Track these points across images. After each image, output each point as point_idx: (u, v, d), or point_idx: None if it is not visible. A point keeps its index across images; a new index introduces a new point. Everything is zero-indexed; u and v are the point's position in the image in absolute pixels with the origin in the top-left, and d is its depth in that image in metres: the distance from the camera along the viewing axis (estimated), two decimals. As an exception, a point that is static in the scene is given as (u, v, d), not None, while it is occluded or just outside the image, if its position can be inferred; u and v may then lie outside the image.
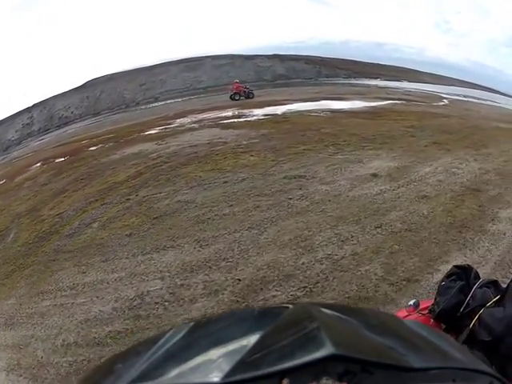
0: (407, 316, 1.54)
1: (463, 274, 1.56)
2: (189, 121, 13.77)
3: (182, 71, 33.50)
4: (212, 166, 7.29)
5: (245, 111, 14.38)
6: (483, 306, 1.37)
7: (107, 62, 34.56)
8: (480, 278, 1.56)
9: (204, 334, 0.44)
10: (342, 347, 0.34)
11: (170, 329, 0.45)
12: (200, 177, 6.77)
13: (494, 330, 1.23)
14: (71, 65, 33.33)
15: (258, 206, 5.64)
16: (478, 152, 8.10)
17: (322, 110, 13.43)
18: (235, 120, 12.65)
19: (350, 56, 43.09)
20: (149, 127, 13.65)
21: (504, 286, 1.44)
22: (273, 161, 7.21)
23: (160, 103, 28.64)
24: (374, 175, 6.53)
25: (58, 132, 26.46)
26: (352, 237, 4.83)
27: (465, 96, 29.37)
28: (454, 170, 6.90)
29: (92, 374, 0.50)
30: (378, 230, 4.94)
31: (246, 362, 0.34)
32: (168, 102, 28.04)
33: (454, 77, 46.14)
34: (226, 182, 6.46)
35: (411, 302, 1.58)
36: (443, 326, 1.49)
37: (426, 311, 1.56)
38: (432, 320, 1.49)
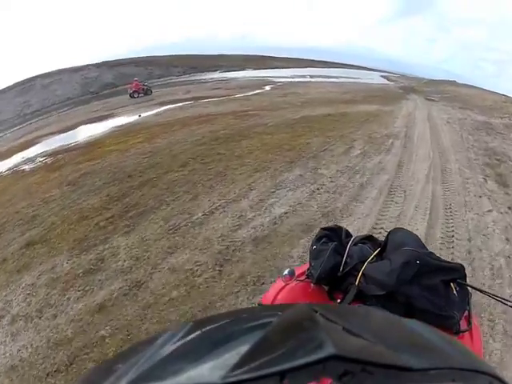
0: (286, 286, 1.47)
1: (334, 235, 1.53)
2: None
3: (15, 96, 32.18)
4: None
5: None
6: (364, 261, 1.36)
7: None
8: (352, 236, 1.55)
9: (204, 333, 0.43)
10: (341, 347, 0.34)
11: (170, 328, 0.45)
12: None
13: (385, 283, 1.22)
14: None
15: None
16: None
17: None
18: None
19: (201, 51, 47.06)
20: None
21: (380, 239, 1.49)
22: None
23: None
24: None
25: None
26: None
27: (311, 76, 32.26)
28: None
29: (92, 374, 0.49)
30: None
31: (245, 362, 0.34)
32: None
33: (318, 59, 53.51)
34: None
35: (286, 272, 1.49)
36: (326, 289, 1.45)
37: (304, 277, 1.50)
38: (312, 285, 1.44)
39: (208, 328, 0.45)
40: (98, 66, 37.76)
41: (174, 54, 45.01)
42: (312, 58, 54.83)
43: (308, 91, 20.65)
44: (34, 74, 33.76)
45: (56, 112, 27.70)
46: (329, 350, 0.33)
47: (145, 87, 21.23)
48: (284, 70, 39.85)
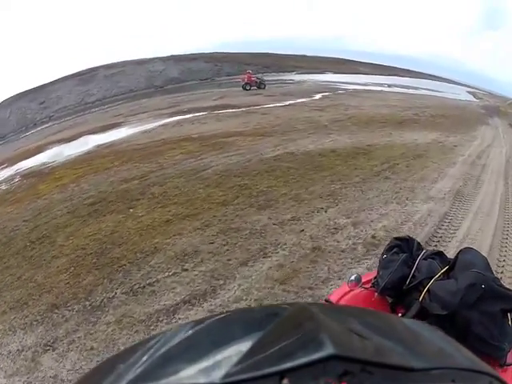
0: (349, 292, 1.48)
1: (405, 246, 1.53)
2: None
3: (77, 85, 32.49)
4: None
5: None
6: (431, 278, 1.35)
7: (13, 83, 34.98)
8: (423, 249, 1.55)
9: (204, 333, 0.43)
10: (342, 347, 0.34)
11: (170, 329, 0.45)
12: None
13: (448, 303, 1.22)
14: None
15: None
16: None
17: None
18: None
19: (276, 50, 44.04)
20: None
21: (449, 257, 1.50)
22: None
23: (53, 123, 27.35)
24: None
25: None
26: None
27: (389, 85, 30.21)
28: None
29: (92, 374, 0.50)
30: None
31: (245, 362, 0.34)
32: (61, 121, 26.79)
33: (406, 67, 51.39)
34: None
35: (352, 277, 1.49)
36: (389, 300, 1.45)
37: (369, 285, 1.49)
38: (376, 294, 1.44)
39: (208, 328, 0.45)
40: (164, 59, 37.15)
41: (250, 51, 43.17)
42: (399, 66, 52.40)
43: (362, 103, 17.89)
44: (97, 64, 34.13)
45: (115, 104, 28.21)
46: (329, 349, 0.33)
47: (258, 80, 20.35)
48: (365, 76, 38.03)
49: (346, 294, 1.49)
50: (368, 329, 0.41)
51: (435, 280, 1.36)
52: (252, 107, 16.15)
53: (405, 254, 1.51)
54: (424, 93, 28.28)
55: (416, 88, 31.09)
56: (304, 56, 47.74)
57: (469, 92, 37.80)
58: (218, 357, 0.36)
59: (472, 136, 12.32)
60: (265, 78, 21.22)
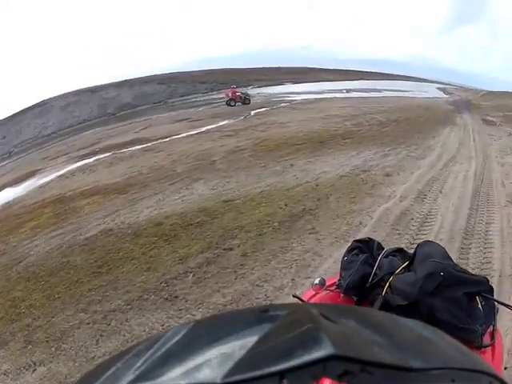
0: (315, 295, 1.50)
1: (365, 247, 1.55)
2: None
3: (35, 117, 31.44)
4: None
5: None
6: (392, 273, 1.38)
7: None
8: (383, 249, 1.56)
9: (204, 333, 0.43)
10: (341, 347, 0.34)
11: (170, 329, 0.45)
12: None
13: (408, 293, 1.25)
14: None
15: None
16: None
17: None
18: None
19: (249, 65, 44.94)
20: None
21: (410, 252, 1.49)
22: None
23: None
24: None
25: None
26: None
27: (348, 91, 28.67)
28: None
29: (92, 374, 0.48)
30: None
31: (245, 362, 0.34)
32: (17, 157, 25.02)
33: (378, 71, 51.79)
34: None
35: (316, 281, 1.50)
36: (354, 299, 1.46)
37: (334, 287, 1.51)
38: (342, 295, 1.46)
39: (208, 328, 0.45)
40: (118, 85, 35.70)
41: (207, 68, 42.48)
42: (370, 70, 52.90)
43: (293, 118, 14.50)
44: (52, 95, 33.29)
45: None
46: (328, 349, 0.33)
47: (243, 96, 19.39)
48: (327, 83, 36.88)
49: (312, 297, 1.47)
50: (368, 329, 0.41)
51: (396, 275, 1.35)
52: (160, 140, 13.63)
53: (365, 255, 1.48)
54: (386, 95, 25.94)
55: (379, 90, 29.00)
56: (265, 68, 46.98)
57: (438, 88, 35.88)
58: (218, 357, 0.35)
59: (426, 148, 8.83)
60: (249, 93, 20.27)
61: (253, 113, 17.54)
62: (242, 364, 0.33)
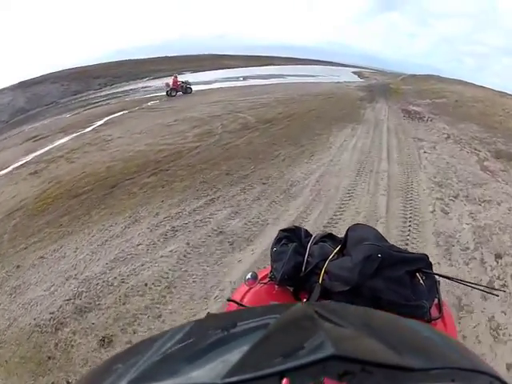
0: (249, 290, 1.40)
1: (293, 236, 1.49)
2: None
3: None
4: None
5: None
6: (325, 259, 1.33)
7: None
8: (311, 235, 1.50)
9: (204, 334, 0.43)
10: (341, 347, 0.34)
11: (170, 329, 0.45)
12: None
13: (348, 278, 1.20)
14: None
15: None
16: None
17: None
18: None
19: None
20: None
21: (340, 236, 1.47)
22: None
23: None
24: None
25: None
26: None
27: (244, 78, 25.44)
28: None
29: (92, 374, 0.50)
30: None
31: (245, 362, 0.34)
32: None
33: (291, 56, 50.42)
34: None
35: (249, 276, 1.38)
36: (290, 290, 1.38)
37: (267, 280, 1.42)
38: (276, 286, 1.38)
39: (208, 328, 0.44)
40: (13, 88, 33.41)
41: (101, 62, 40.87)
42: (283, 56, 51.52)
43: (135, 127, 9.84)
44: None
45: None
46: (329, 350, 0.33)
47: (183, 85, 17.95)
48: (226, 70, 35.09)
49: (246, 292, 1.37)
50: (368, 329, 0.41)
51: (330, 261, 1.31)
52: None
53: (294, 243, 1.41)
54: (288, 81, 22.67)
55: (282, 76, 26.25)
56: (167, 58, 45.34)
57: (354, 72, 33.39)
58: (218, 357, 0.35)
59: (283, 191, 4.67)
60: (190, 81, 18.36)
61: (102, 121, 12.43)
62: (242, 364, 0.33)
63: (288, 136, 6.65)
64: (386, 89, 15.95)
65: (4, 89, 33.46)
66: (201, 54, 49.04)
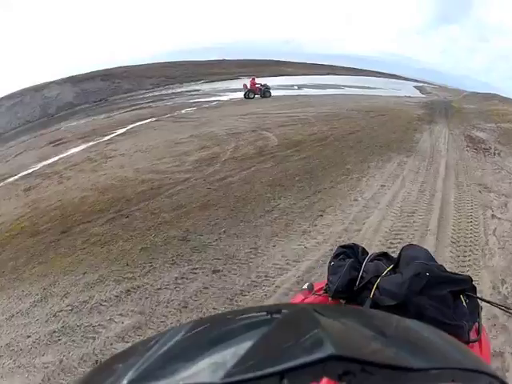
0: (304, 300, 1.48)
1: (351, 253, 1.53)
2: None
3: None
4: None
5: None
6: (379, 276, 1.36)
7: None
8: (368, 253, 1.53)
9: (204, 333, 0.43)
10: (341, 347, 0.34)
11: (170, 329, 0.45)
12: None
13: (396, 294, 1.24)
14: None
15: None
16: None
17: None
18: None
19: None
20: None
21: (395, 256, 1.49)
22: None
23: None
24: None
25: None
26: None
27: (299, 87, 24.04)
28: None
29: (92, 374, 0.48)
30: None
31: (245, 361, 0.34)
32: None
33: (352, 66, 48.48)
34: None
35: (305, 286, 1.49)
36: (343, 302, 1.41)
37: (322, 292, 1.47)
38: (330, 299, 1.42)
39: (208, 328, 0.44)
40: (61, 82, 33.39)
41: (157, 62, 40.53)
42: (344, 66, 48.94)
43: (142, 144, 9.00)
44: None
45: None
46: (328, 349, 0.33)
47: (262, 88, 17.78)
48: (289, 77, 33.93)
49: (301, 302, 1.43)
50: (368, 329, 0.41)
51: (383, 277, 1.34)
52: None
53: (351, 259, 1.46)
54: (341, 92, 20.30)
55: (340, 87, 24.10)
56: (225, 61, 44.33)
57: (415, 87, 30.78)
58: (218, 357, 0.35)
59: (239, 289, 2.96)
60: (269, 85, 18.12)
61: (124, 129, 11.85)
62: (243, 364, 0.33)
63: (306, 172, 5.11)
64: (448, 107, 13.45)
65: (52, 82, 34.24)
66: (262, 59, 47.64)
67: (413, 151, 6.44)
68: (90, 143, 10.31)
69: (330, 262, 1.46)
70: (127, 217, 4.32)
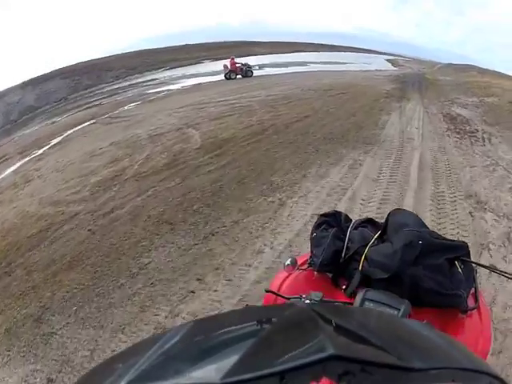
0: (288, 276, 1.38)
1: (333, 221, 1.46)
2: None
3: None
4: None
5: None
6: (366, 245, 1.31)
7: None
8: (351, 221, 1.48)
9: (204, 333, 0.43)
10: (341, 348, 0.34)
11: (170, 329, 0.44)
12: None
13: (388, 265, 1.18)
14: None
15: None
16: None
17: None
18: None
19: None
20: None
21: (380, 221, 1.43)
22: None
23: None
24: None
25: None
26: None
27: (260, 67, 21.81)
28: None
29: (92, 374, 0.48)
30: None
31: (245, 362, 0.34)
32: None
33: (327, 43, 46.40)
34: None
35: (288, 262, 1.34)
36: (329, 276, 1.38)
37: (306, 266, 1.40)
38: (316, 273, 1.37)
39: (208, 328, 0.44)
40: (23, 86, 32.14)
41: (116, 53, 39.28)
42: (317, 43, 47.58)
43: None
44: None
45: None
46: (328, 350, 0.33)
47: (243, 67, 16.73)
48: (254, 57, 30.68)
49: (285, 279, 1.35)
50: (368, 329, 0.40)
51: (370, 246, 1.28)
52: None
53: (334, 228, 1.39)
54: (309, 69, 19.39)
55: (305, 64, 23.48)
56: (187, 46, 42.40)
57: (388, 60, 30.04)
58: (218, 357, 0.35)
59: None
60: (251, 64, 17.42)
61: (60, 137, 10.17)
62: (242, 364, 0.33)
63: (213, 193, 3.79)
64: (421, 80, 12.19)
65: (14, 87, 32.54)
66: (227, 41, 45.67)
67: (374, 143, 5.00)
68: (25, 159, 8.84)
69: (312, 234, 1.40)
70: (10, 275, 3.32)
